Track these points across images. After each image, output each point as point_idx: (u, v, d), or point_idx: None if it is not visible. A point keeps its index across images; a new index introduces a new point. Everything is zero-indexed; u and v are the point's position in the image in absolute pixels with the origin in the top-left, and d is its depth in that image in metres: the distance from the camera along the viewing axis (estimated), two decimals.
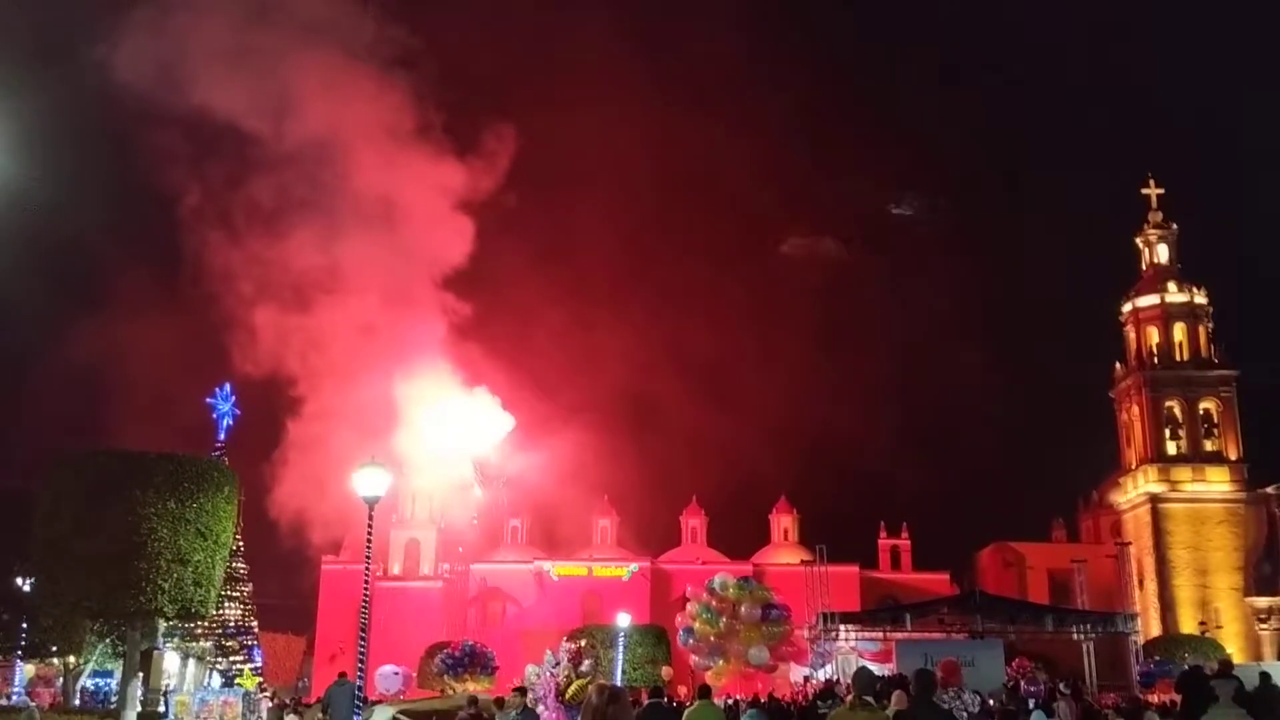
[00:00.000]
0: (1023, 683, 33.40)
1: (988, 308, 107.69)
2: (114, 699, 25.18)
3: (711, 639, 42.66)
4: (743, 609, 42.09)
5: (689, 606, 45.03)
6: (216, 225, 60.68)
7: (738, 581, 44.70)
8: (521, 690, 17.43)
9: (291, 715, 27.60)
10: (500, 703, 18.91)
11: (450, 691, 39.95)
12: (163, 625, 25.46)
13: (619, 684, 18.08)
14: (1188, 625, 55.29)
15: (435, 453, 59.57)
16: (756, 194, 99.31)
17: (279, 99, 58.77)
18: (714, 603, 43.69)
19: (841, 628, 38.86)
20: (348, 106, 60.81)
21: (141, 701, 24.67)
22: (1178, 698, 21.40)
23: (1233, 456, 59.68)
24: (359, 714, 20.27)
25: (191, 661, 27.42)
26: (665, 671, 41.74)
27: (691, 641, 43.78)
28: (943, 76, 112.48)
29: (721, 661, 42.94)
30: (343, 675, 24.77)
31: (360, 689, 21.80)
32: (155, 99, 55.13)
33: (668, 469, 74.11)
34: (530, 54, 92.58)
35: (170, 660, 26.12)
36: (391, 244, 61.32)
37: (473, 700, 19.75)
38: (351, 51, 60.48)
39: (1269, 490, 57.36)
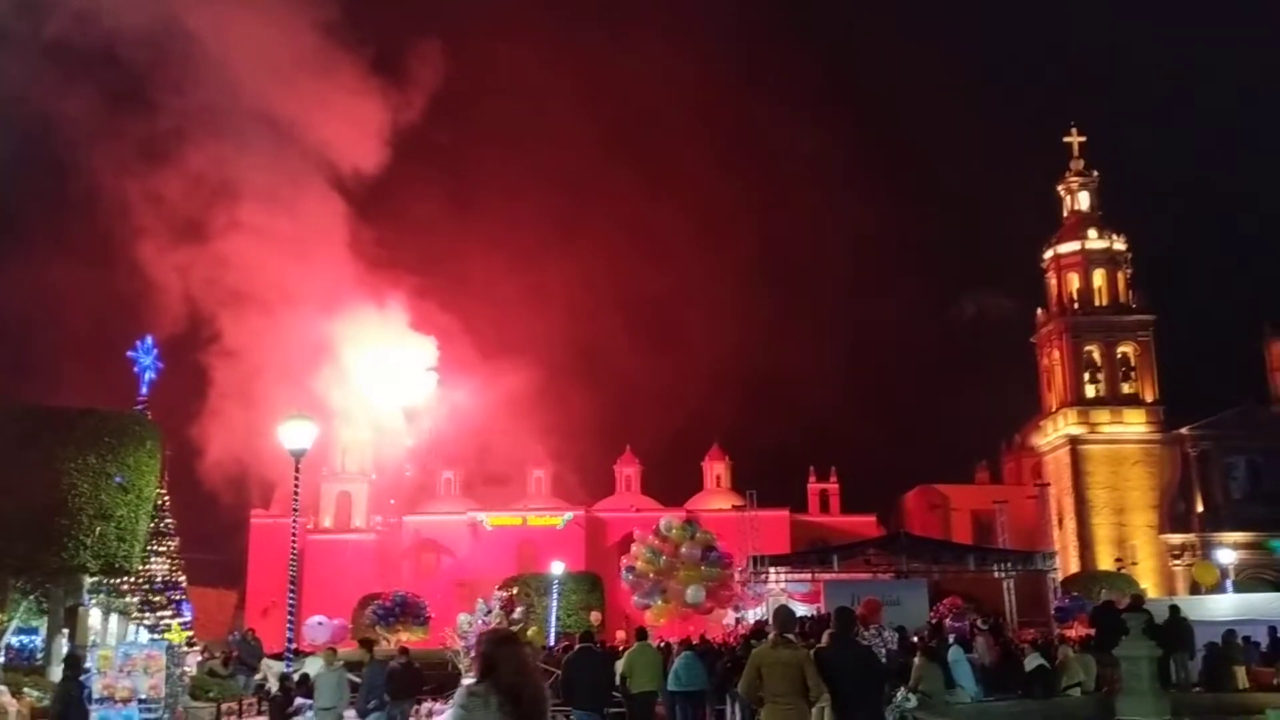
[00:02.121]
0: (949, 619, 34.26)
1: (915, 253, 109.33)
2: (39, 655, 24.81)
3: (651, 577, 43.25)
4: (683, 549, 42.73)
5: (633, 548, 45.61)
6: (119, 163, 58.96)
7: (681, 524, 45.28)
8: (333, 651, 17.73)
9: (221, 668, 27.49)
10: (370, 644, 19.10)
11: (386, 642, 40.01)
12: (87, 581, 25.11)
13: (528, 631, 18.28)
14: (1105, 562, 57.03)
15: (365, 404, 59.12)
16: (695, 130, 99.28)
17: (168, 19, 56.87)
18: (657, 543, 44.31)
19: (771, 570, 39.51)
20: (259, 29, 58.98)
21: None
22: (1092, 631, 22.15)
23: (1149, 399, 61.35)
24: (289, 665, 20.27)
25: (116, 617, 27.09)
26: (594, 616, 42.26)
27: (631, 578, 44.34)
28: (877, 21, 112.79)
29: (660, 601, 43.53)
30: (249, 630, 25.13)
31: (290, 640, 21.81)
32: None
33: (602, 418, 74.42)
34: None
35: (95, 616, 25.80)
36: (313, 175, 60.15)
37: (403, 650, 19.83)
38: None
39: (1183, 431, 59.04)
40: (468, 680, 5.13)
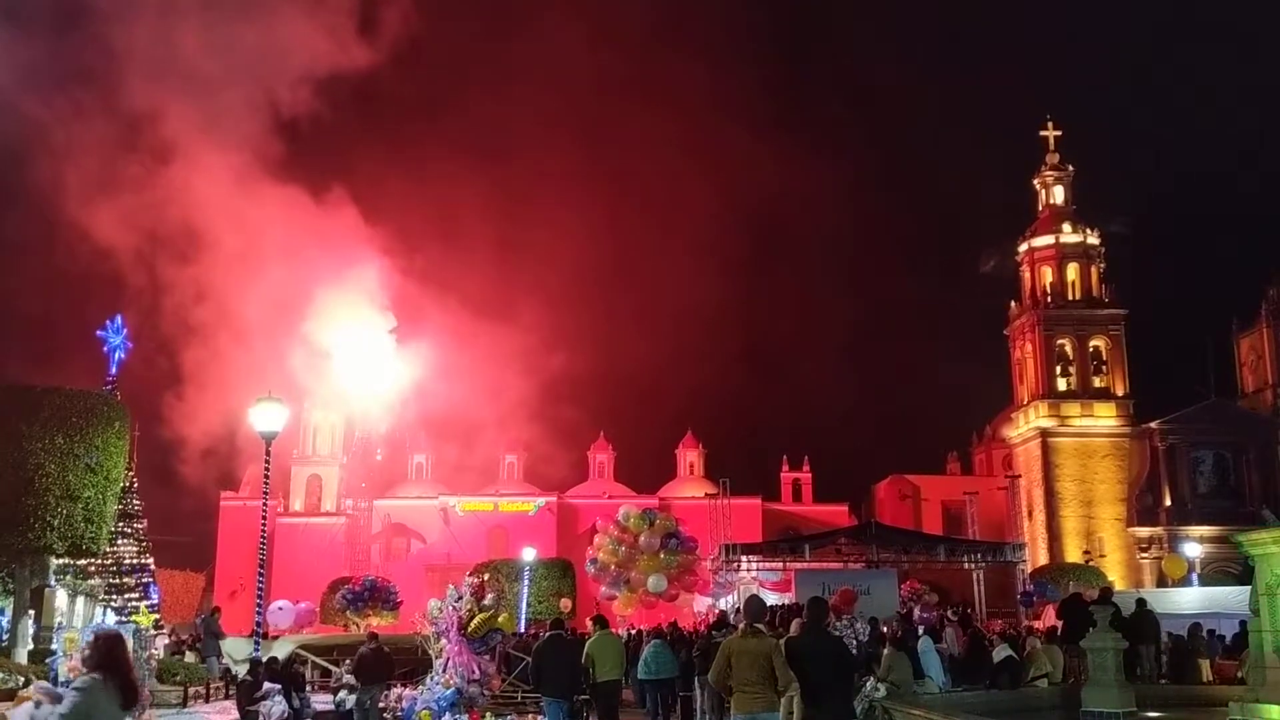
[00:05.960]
0: (917, 610, 34.38)
1: (892, 247, 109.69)
2: (5, 636, 24.58)
3: (613, 569, 43.15)
4: (642, 539, 42.56)
5: (596, 538, 45.44)
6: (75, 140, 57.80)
7: (640, 513, 45.14)
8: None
9: (190, 652, 27.32)
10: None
11: (354, 627, 39.88)
12: (54, 563, 24.89)
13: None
14: (1073, 554, 57.47)
15: (336, 386, 58.72)
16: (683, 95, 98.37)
17: None
18: (617, 533, 44.16)
19: (743, 558, 39.49)
20: None
21: (34, 639, 24.16)
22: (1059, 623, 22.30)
23: (1120, 393, 61.79)
24: (257, 648, 20.15)
25: (82, 599, 26.87)
26: (563, 604, 42.15)
27: (595, 570, 44.26)
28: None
29: (626, 591, 43.50)
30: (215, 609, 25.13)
31: (259, 624, 21.69)
32: None
33: (576, 404, 74.44)
34: None
35: (61, 598, 25.59)
36: (273, 133, 59.08)
37: (373, 636, 19.74)
38: None
39: (1152, 425, 59.49)
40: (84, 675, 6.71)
